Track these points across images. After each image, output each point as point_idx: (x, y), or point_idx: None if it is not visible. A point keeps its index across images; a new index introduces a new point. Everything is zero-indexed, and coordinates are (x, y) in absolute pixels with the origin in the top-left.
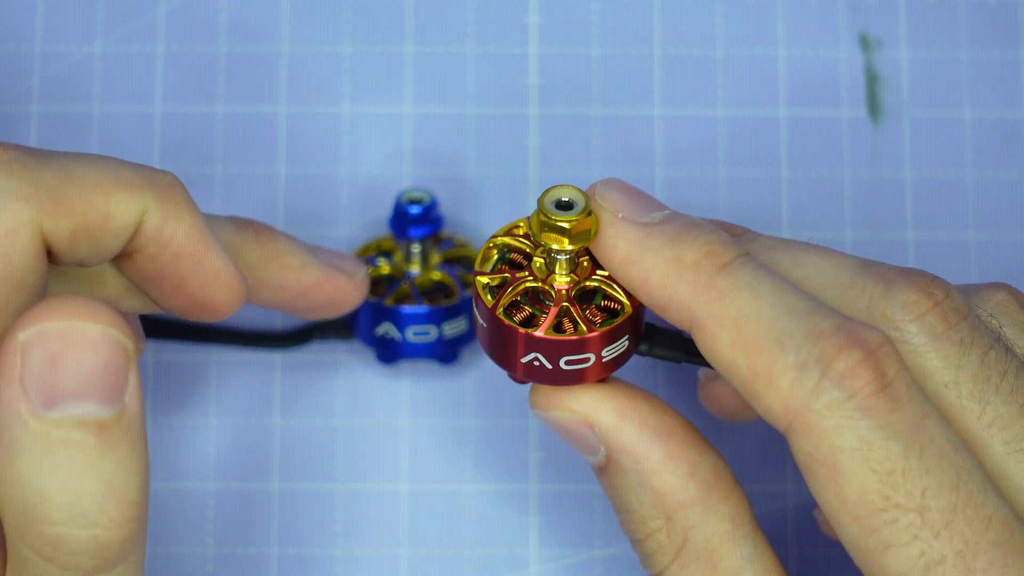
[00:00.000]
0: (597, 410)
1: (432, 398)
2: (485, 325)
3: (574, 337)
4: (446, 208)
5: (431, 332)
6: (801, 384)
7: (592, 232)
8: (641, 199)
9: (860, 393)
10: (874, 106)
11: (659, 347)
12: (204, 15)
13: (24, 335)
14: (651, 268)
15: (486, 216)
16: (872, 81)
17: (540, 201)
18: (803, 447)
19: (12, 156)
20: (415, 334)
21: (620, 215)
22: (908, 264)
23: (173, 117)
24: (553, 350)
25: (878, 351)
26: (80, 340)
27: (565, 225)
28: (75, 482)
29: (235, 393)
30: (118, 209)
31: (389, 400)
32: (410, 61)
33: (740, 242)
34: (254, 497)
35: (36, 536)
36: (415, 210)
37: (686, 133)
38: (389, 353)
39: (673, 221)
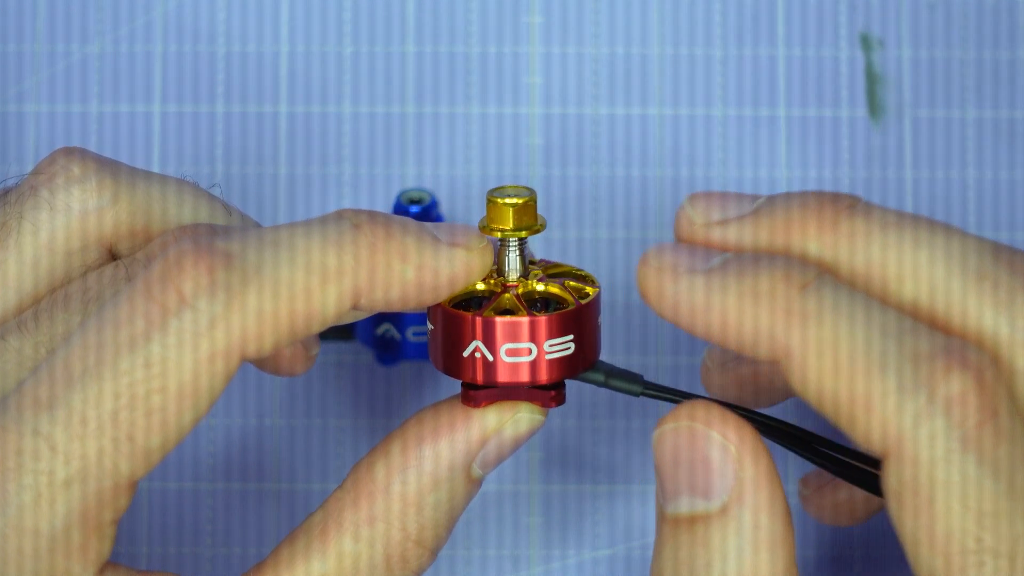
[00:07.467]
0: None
1: (432, 399)
2: (433, 326)
3: (510, 319)
4: (446, 208)
5: None
6: (904, 410)
7: (538, 222)
8: (694, 248)
9: (967, 423)
10: (874, 106)
11: (616, 379)
12: (204, 15)
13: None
14: (727, 309)
15: None
16: (872, 81)
17: (488, 193)
18: (899, 475)
19: (217, 280)
20: (415, 334)
21: (680, 269)
22: None
23: (173, 117)
24: (492, 333)
25: (985, 373)
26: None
27: (510, 207)
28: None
29: (235, 393)
30: (325, 307)
31: (389, 400)
32: (410, 61)
33: (853, 214)
34: (254, 497)
35: None
36: (415, 210)
37: (686, 133)
38: (389, 353)
39: (738, 258)
